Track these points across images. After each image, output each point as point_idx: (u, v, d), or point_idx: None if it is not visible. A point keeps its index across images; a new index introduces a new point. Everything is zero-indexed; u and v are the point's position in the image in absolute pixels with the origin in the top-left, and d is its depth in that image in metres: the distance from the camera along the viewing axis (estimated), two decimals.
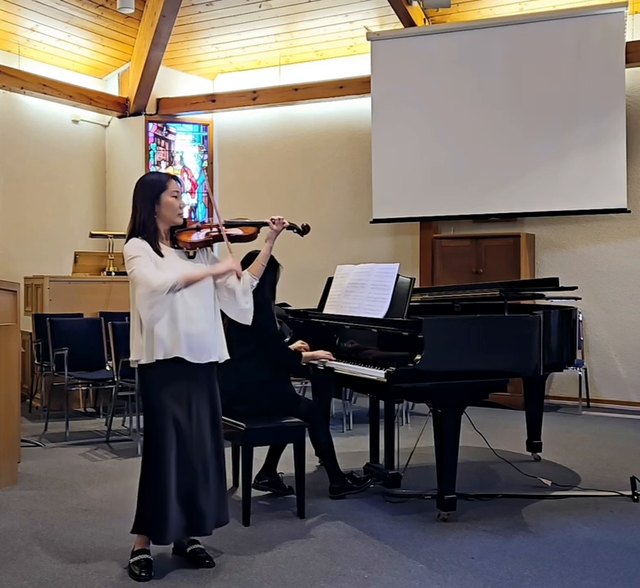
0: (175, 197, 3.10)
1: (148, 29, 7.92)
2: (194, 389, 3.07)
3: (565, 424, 6.23)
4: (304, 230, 3.68)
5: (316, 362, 4.06)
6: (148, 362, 3.01)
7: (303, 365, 4.04)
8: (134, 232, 3.08)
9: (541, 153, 6.88)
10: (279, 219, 3.39)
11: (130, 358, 3.10)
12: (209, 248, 3.25)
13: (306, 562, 3.15)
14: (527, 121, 6.94)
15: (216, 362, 3.15)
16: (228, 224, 3.25)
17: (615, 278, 7.06)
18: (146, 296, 2.94)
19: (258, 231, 3.32)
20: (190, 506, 3.03)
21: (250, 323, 3.28)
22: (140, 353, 3.03)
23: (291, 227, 3.58)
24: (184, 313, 3.01)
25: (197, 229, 3.15)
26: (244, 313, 3.23)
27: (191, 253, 3.13)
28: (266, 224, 3.38)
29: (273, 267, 3.96)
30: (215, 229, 3.16)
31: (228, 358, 3.21)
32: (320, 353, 4.07)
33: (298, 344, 4.16)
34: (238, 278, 3.15)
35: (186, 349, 3.01)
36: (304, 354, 4.04)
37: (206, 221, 3.26)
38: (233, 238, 3.24)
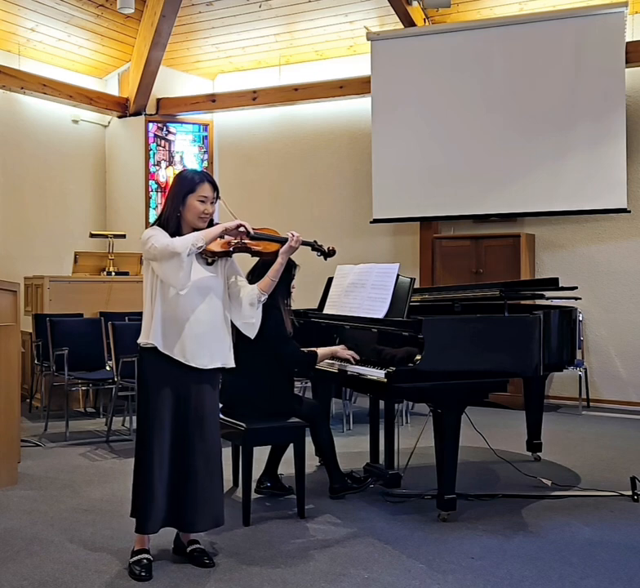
0: (202, 201, 3.03)
1: (148, 29, 7.92)
2: (192, 385, 3.06)
3: (565, 424, 6.23)
4: (329, 253, 3.61)
5: (334, 361, 3.93)
6: (150, 346, 3.01)
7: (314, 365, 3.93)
8: (157, 223, 3.08)
9: (541, 153, 6.88)
10: (297, 236, 3.31)
11: (139, 340, 3.09)
12: (230, 258, 3.20)
13: (306, 562, 3.15)
14: (527, 121, 6.94)
15: (220, 368, 3.13)
16: (254, 237, 3.19)
17: (615, 278, 7.06)
18: (170, 262, 2.90)
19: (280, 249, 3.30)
20: (178, 501, 3.04)
21: (253, 337, 3.25)
22: (146, 335, 3.03)
23: (317, 248, 3.56)
24: (188, 314, 3.00)
25: (222, 237, 3.10)
26: (248, 326, 3.21)
27: (210, 260, 3.10)
28: (287, 240, 3.30)
29: (287, 268, 3.92)
30: (239, 240, 3.13)
31: (234, 366, 3.19)
32: (343, 352, 3.91)
33: None
34: (247, 234, 3.09)
35: (181, 351, 3.00)
36: (321, 350, 3.89)
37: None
38: (255, 253, 3.25)
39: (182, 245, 2.90)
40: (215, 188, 3.07)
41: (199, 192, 3.03)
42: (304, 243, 3.42)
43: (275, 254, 3.28)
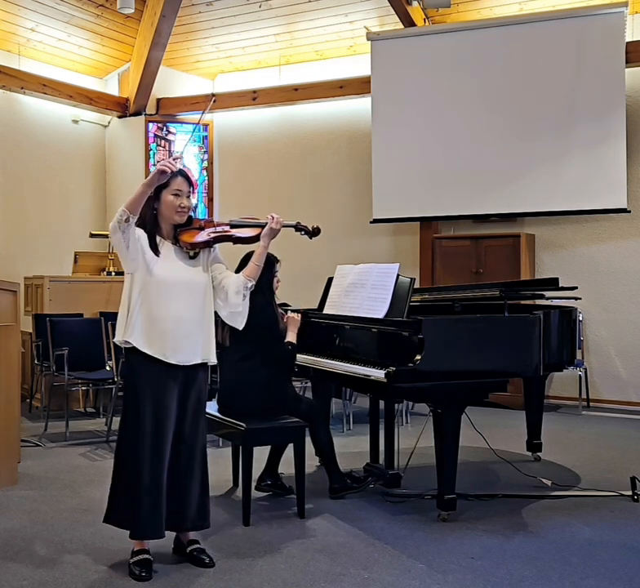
0: (177, 195, 3.01)
1: (148, 29, 7.92)
2: (178, 386, 3.02)
3: (565, 424, 6.23)
4: (314, 232, 3.54)
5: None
6: (129, 346, 2.98)
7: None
8: None
9: (541, 153, 6.88)
10: (277, 218, 3.23)
11: (115, 339, 3.05)
12: (211, 249, 3.17)
13: (306, 562, 3.14)
14: (527, 121, 6.94)
15: (203, 364, 3.09)
16: (233, 225, 3.19)
17: (615, 278, 7.06)
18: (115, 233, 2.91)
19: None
20: (178, 501, 3.03)
21: (241, 328, 3.20)
22: (121, 333, 2.99)
23: (300, 229, 3.49)
24: (170, 311, 2.96)
25: (201, 228, 3.09)
26: (235, 316, 3.15)
27: (191, 253, 3.08)
28: (267, 223, 3.26)
29: (269, 265, 3.89)
30: (218, 230, 3.11)
31: (216, 362, 3.15)
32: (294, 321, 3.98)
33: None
34: (172, 171, 2.91)
35: (161, 348, 2.96)
36: (289, 335, 3.92)
37: (212, 220, 3.21)
38: (237, 240, 3.20)
39: (117, 215, 2.86)
40: (189, 182, 3.07)
41: (173, 186, 3.00)
42: (287, 225, 3.34)
43: (257, 238, 3.22)
